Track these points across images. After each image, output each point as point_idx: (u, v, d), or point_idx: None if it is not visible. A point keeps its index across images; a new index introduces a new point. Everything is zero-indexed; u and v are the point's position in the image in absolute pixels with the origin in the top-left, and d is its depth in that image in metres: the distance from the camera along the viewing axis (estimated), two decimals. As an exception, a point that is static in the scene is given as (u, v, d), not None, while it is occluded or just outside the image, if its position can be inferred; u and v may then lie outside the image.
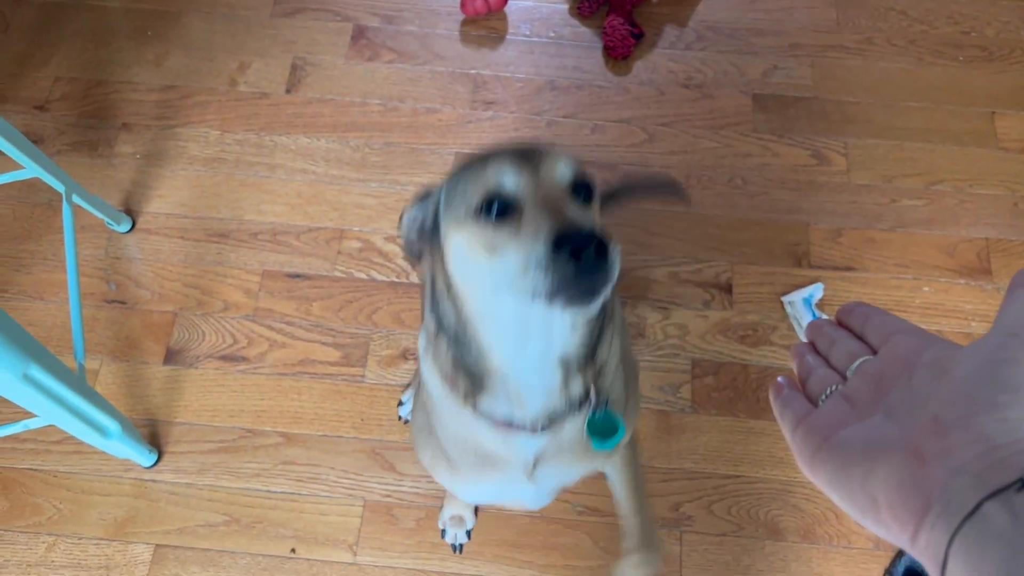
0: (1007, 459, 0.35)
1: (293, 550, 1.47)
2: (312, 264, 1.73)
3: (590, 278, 0.66)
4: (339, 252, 1.74)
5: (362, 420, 1.59)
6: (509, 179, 0.72)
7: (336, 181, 1.82)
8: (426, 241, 0.81)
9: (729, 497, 1.53)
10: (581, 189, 0.75)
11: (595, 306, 0.70)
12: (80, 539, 1.48)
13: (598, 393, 0.85)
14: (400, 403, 1.59)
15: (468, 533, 1.48)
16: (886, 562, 1.47)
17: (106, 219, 1.70)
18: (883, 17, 2.07)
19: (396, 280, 1.72)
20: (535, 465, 0.91)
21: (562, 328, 0.77)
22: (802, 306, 1.67)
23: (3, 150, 1.40)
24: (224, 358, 1.64)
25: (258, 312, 1.68)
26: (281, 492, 1.52)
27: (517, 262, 0.69)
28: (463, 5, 2.01)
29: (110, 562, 1.46)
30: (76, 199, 1.56)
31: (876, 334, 0.49)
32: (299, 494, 1.52)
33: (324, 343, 1.66)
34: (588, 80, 1.97)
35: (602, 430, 0.86)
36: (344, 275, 1.72)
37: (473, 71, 1.97)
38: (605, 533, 1.49)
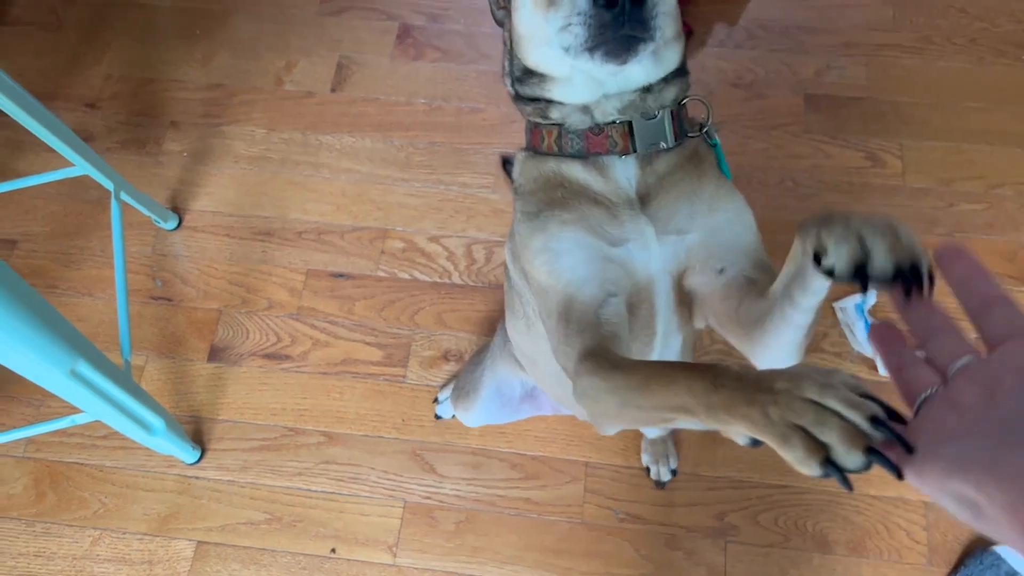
0: None
1: (333, 550, 1.47)
2: (355, 264, 1.73)
3: (626, 31, 0.70)
4: (382, 252, 1.74)
5: (403, 421, 1.58)
6: None
7: (380, 180, 1.81)
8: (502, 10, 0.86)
9: (776, 507, 1.49)
10: None
11: (634, 61, 0.74)
12: (124, 534, 1.49)
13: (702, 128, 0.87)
14: (436, 400, 1.58)
15: (674, 471, 1.51)
16: (940, 579, 1.43)
17: (153, 216, 1.71)
18: (942, 15, 2.01)
19: (439, 281, 1.70)
20: (642, 203, 0.83)
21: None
22: (854, 312, 1.62)
23: (55, 147, 1.42)
24: (268, 356, 1.64)
25: (302, 311, 1.68)
26: (322, 491, 1.52)
27: (564, 11, 0.73)
28: (509, 3, 1.99)
29: (153, 557, 1.47)
30: (124, 197, 1.57)
31: (994, 327, 0.44)
32: (340, 494, 1.52)
33: (367, 343, 1.65)
34: (635, 79, 1.93)
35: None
36: (387, 275, 1.72)
37: (519, 70, 1.95)
38: (647, 541, 1.46)
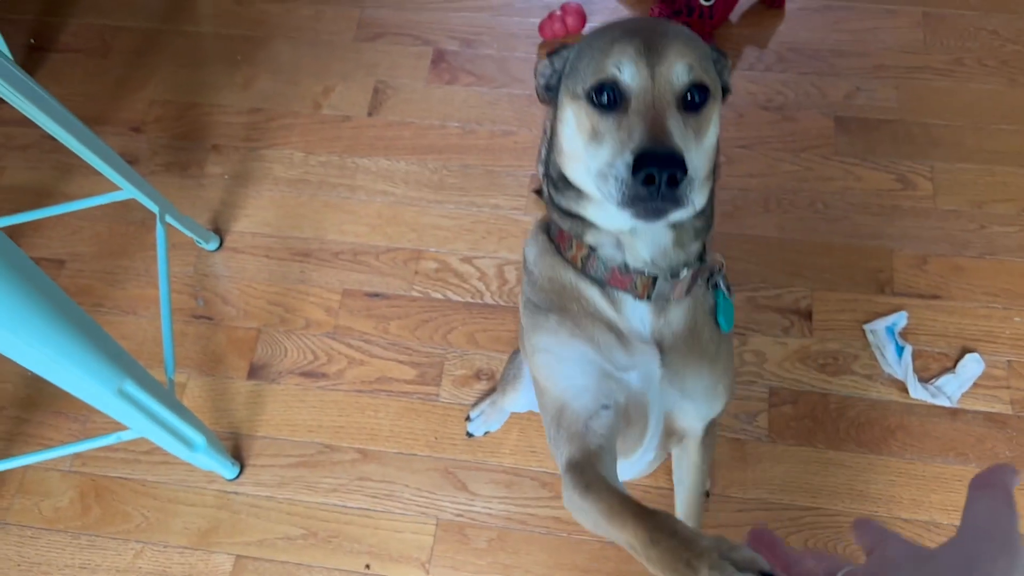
0: None
1: (368, 566, 1.50)
2: (390, 284, 1.77)
3: (658, 203, 0.73)
4: (416, 272, 1.78)
5: (436, 439, 1.61)
6: (626, 71, 0.77)
7: (414, 202, 1.85)
8: (552, 91, 0.88)
9: (806, 529, 1.50)
10: (696, 92, 0.78)
11: (663, 222, 0.80)
12: (166, 547, 1.53)
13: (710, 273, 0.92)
14: (468, 419, 1.61)
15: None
16: (972, 604, 1.42)
17: (195, 238, 1.77)
18: (973, 37, 2.01)
19: (471, 301, 1.74)
20: (660, 350, 0.89)
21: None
22: (885, 335, 1.62)
23: (103, 172, 1.47)
24: (305, 374, 1.68)
25: (338, 330, 1.72)
26: (357, 508, 1.55)
27: (605, 159, 0.77)
28: (541, 28, 2.03)
29: (193, 571, 1.51)
30: (169, 219, 1.63)
31: (866, 541, 0.53)
32: (374, 510, 1.55)
33: (400, 362, 1.68)
34: (665, 102, 1.96)
35: (726, 309, 0.94)
36: (421, 295, 1.75)
37: (550, 94, 1.98)
38: (678, 561, 1.48)
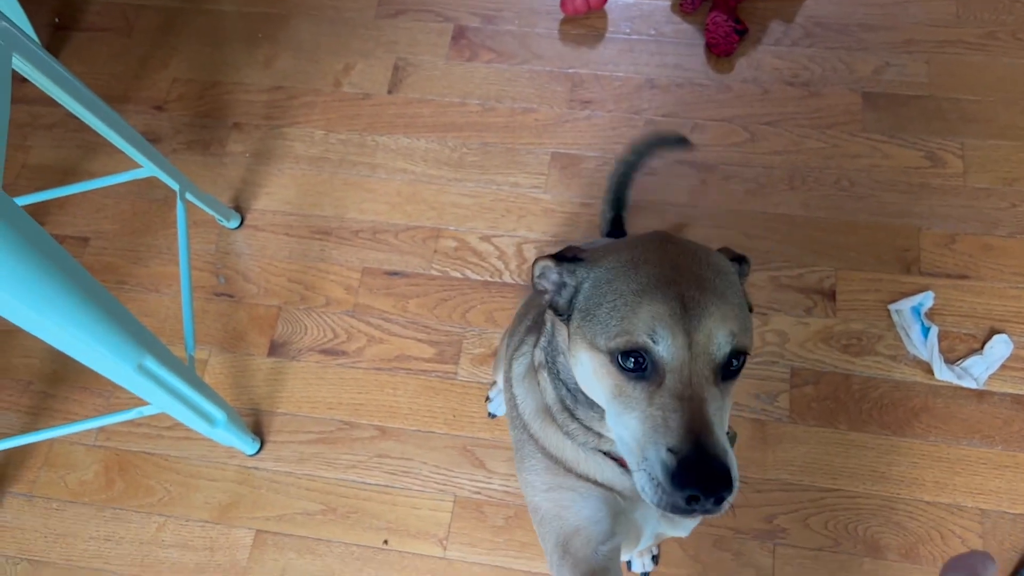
0: None
1: (386, 541, 1.51)
2: (409, 262, 1.76)
3: (696, 510, 0.65)
4: (435, 251, 1.77)
5: (454, 416, 1.61)
6: (661, 343, 0.68)
7: (434, 180, 1.85)
8: (562, 313, 0.78)
9: (827, 511, 1.48)
10: (736, 359, 0.70)
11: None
12: (187, 521, 1.55)
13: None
14: (487, 399, 1.60)
15: (655, 558, 1.45)
16: (996, 588, 1.40)
17: (217, 216, 1.78)
18: (1007, 10, 1.95)
19: (490, 279, 1.73)
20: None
21: None
22: (910, 315, 1.59)
23: (123, 150, 1.48)
24: (325, 352, 1.69)
25: (358, 308, 1.73)
26: (375, 484, 1.56)
27: (636, 431, 0.68)
28: (563, 4, 2.00)
29: (214, 544, 1.53)
30: (189, 197, 1.64)
31: None
32: (393, 487, 1.56)
33: (419, 340, 1.69)
34: (689, 78, 1.93)
35: None
36: (440, 273, 1.75)
37: (571, 70, 1.96)
38: (695, 541, 1.47)
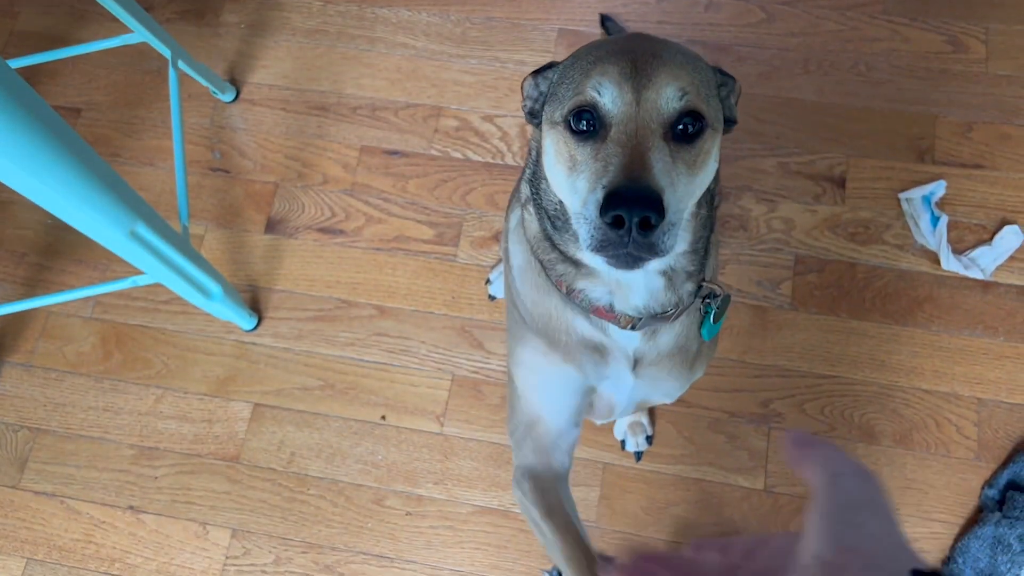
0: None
1: (383, 417, 1.52)
2: (409, 141, 1.72)
3: (631, 249, 0.64)
4: (436, 130, 1.72)
5: (453, 298, 1.60)
6: (607, 94, 0.68)
7: (435, 56, 1.78)
8: (538, 117, 0.79)
9: (823, 397, 1.48)
10: (689, 120, 0.69)
11: (640, 270, 0.71)
12: (185, 393, 1.56)
13: (711, 295, 0.84)
14: (488, 281, 1.59)
15: (649, 439, 1.47)
16: (986, 474, 1.41)
17: (211, 88, 1.72)
18: None
19: (491, 161, 1.69)
20: (635, 365, 0.88)
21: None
22: (921, 204, 1.56)
23: (114, 13, 1.42)
24: (322, 230, 1.66)
25: (356, 187, 1.69)
26: (373, 362, 1.56)
27: (583, 192, 0.67)
28: None
29: (212, 416, 1.54)
30: (182, 65, 1.58)
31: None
32: (391, 364, 1.56)
33: (419, 221, 1.66)
34: (705, -46, 1.84)
35: (714, 328, 0.87)
36: (440, 154, 1.70)
37: (582, -57, 1.87)
38: (689, 423, 1.48)
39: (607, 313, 0.82)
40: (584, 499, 1.44)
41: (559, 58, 1.71)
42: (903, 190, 1.59)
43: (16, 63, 1.54)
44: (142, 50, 1.74)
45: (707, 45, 1.74)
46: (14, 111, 0.95)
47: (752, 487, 1.44)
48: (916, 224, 1.56)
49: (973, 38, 1.71)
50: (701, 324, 0.88)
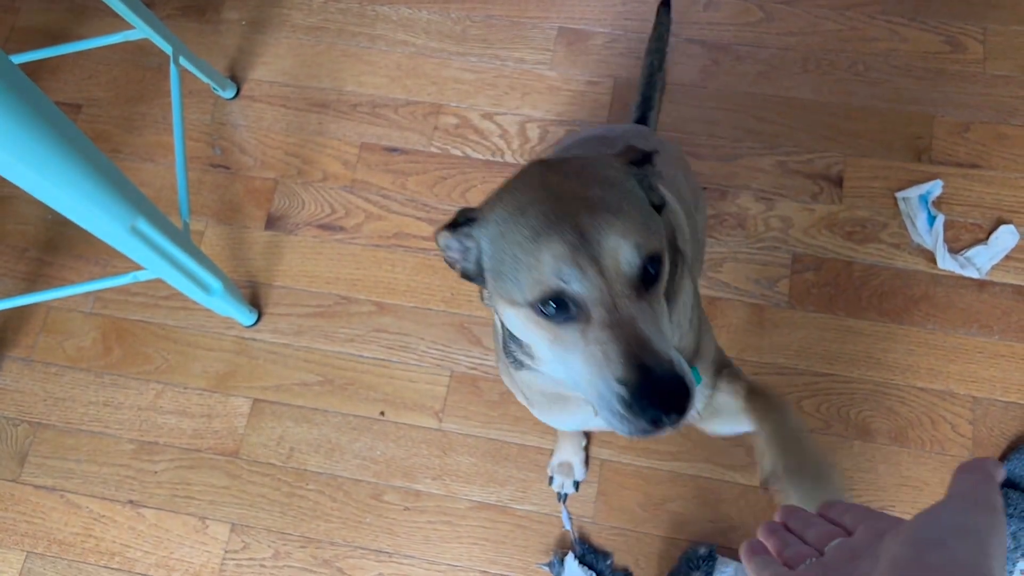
0: None
1: (382, 413, 1.53)
2: (409, 138, 1.73)
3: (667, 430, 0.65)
4: (436, 128, 1.73)
5: (452, 295, 1.60)
6: (572, 280, 0.66)
7: (435, 54, 1.79)
8: (477, 278, 0.76)
9: (820, 394, 1.49)
10: (650, 265, 0.69)
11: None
12: (185, 389, 1.57)
13: None
14: (485, 282, 1.60)
15: (576, 484, 1.45)
16: (981, 471, 1.42)
17: (212, 84, 1.73)
18: None
19: (491, 159, 1.70)
20: None
21: None
22: (917, 203, 1.57)
23: (115, 9, 1.43)
24: (322, 227, 1.67)
25: (356, 183, 1.70)
26: (373, 358, 1.57)
27: (583, 373, 0.67)
28: None
29: (212, 411, 1.55)
30: (183, 62, 1.58)
31: (853, 519, 0.54)
32: (390, 360, 1.56)
33: (418, 218, 1.66)
34: (704, -47, 1.84)
35: None
36: (440, 151, 1.71)
37: (582, -59, 1.87)
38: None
39: None
40: (581, 495, 1.45)
41: (558, 57, 1.71)
42: (900, 189, 1.60)
43: (17, 59, 1.55)
44: (143, 46, 1.75)
45: (706, 44, 1.75)
46: (16, 106, 0.96)
47: (749, 484, 1.44)
48: (913, 223, 1.57)
49: (971, 38, 1.72)
50: None
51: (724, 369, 1.00)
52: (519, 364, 0.83)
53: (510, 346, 0.81)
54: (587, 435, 1.46)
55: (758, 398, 0.96)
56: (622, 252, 0.66)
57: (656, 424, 0.64)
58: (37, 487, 1.51)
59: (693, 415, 0.73)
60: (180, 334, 1.61)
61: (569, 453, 1.43)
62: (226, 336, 1.60)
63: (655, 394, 0.63)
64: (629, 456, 1.47)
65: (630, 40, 1.76)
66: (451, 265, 0.78)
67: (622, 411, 0.64)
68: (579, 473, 1.44)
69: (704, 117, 1.69)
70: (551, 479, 1.46)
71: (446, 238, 0.75)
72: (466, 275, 0.77)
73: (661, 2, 1.53)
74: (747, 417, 0.96)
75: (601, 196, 0.69)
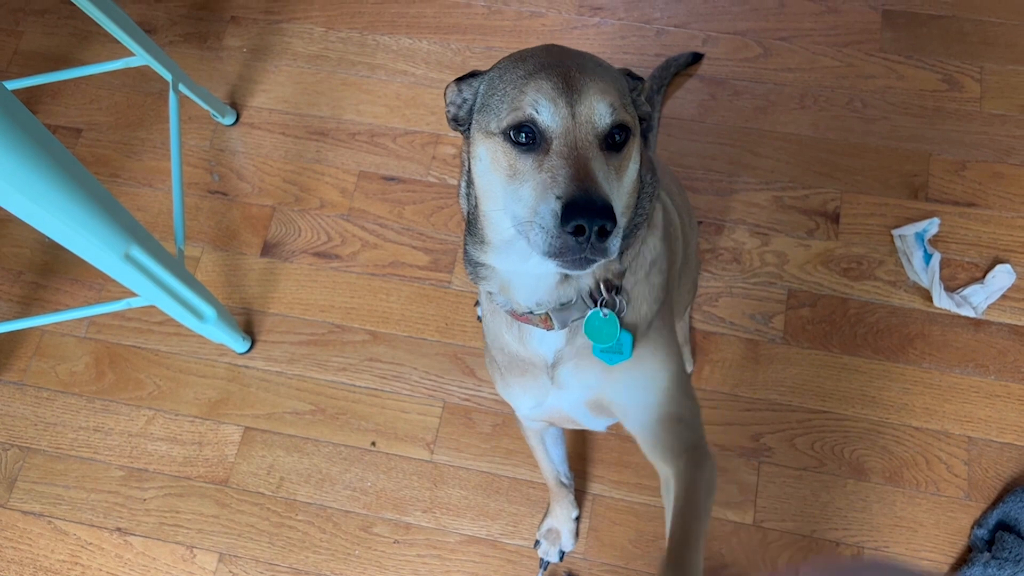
0: None
1: (374, 443, 1.52)
2: (407, 168, 1.73)
3: (586, 253, 0.69)
4: (433, 157, 1.73)
5: (446, 325, 1.60)
6: (545, 111, 0.72)
7: (435, 84, 1.80)
8: (464, 124, 0.82)
9: (814, 432, 1.48)
10: (617, 131, 0.75)
11: (588, 271, 0.76)
12: (177, 415, 1.56)
13: (614, 291, 0.85)
14: (477, 303, 1.60)
15: (561, 554, 1.41)
16: (976, 513, 1.41)
17: (212, 111, 1.73)
18: (1042, -72, 1.86)
19: (489, 188, 1.70)
20: (554, 367, 0.92)
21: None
22: (914, 241, 1.57)
23: (116, 36, 1.44)
24: (318, 254, 1.67)
25: (352, 212, 1.70)
26: (365, 387, 1.56)
27: (529, 200, 0.72)
28: (577, -96, 1.91)
29: (203, 439, 1.54)
30: (183, 88, 1.59)
31: None
32: (382, 390, 1.56)
33: (414, 247, 1.66)
34: (704, -11, 1.86)
35: (605, 335, 0.86)
36: (437, 180, 1.72)
37: (583, -25, 1.89)
38: (681, 456, 1.47)
39: (520, 315, 0.86)
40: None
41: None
42: (896, 226, 1.60)
43: (19, 83, 1.56)
44: (144, 72, 1.76)
45: (704, 79, 1.76)
46: (11, 133, 0.96)
47: (742, 521, 1.43)
48: (909, 261, 1.57)
49: (968, 77, 1.73)
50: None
51: (694, 450, 0.94)
52: (476, 273, 0.87)
53: (470, 251, 0.85)
54: (579, 507, 1.42)
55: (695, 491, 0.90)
56: (597, 106, 0.73)
57: (577, 235, 0.67)
58: (25, 513, 1.50)
59: (612, 249, 0.73)
60: (173, 360, 1.60)
61: (560, 520, 1.40)
62: (219, 363, 1.59)
63: (584, 207, 0.67)
64: (621, 492, 1.46)
65: (628, 73, 1.76)
66: (449, 116, 0.84)
67: (551, 224, 0.68)
68: (567, 543, 1.41)
69: (701, 151, 1.69)
70: (537, 543, 1.42)
71: (454, 91, 0.82)
72: (456, 120, 0.83)
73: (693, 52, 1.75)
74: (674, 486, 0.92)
75: (593, 66, 0.77)
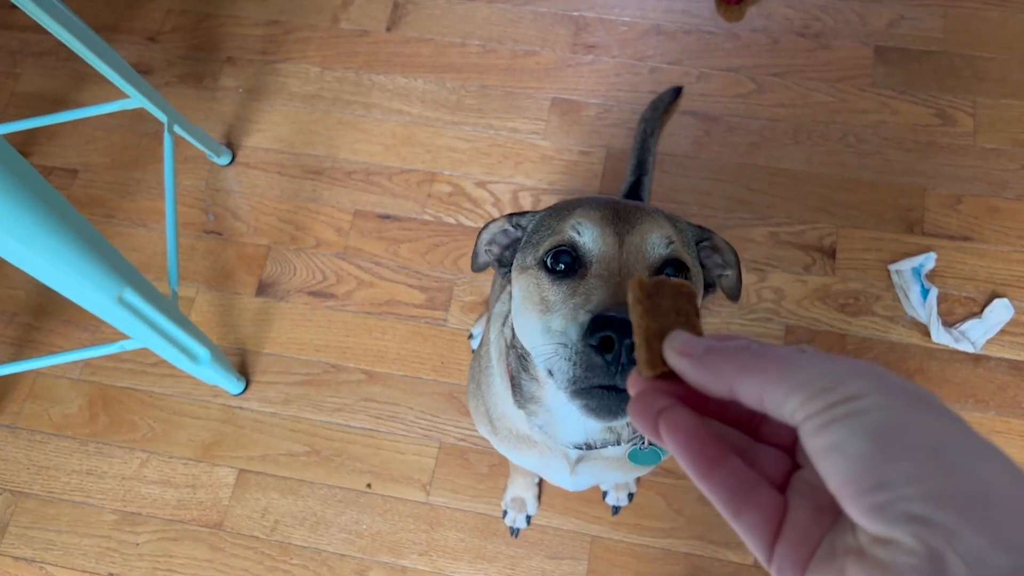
0: None
1: (369, 485, 1.50)
2: (402, 206, 1.73)
3: (617, 380, 0.55)
4: (429, 195, 1.74)
5: (442, 363, 1.59)
6: (587, 233, 0.64)
7: (430, 123, 1.80)
8: (507, 265, 0.77)
9: (814, 470, 1.47)
10: (671, 268, 0.65)
11: (621, 421, 0.63)
12: (170, 458, 1.55)
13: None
14: (470, 336, 1.59)
15: (528, 519, 1.44)
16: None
17: (207, 151, 1.74)
18: (1031, -36, 1.88)
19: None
20: (576, 462, 0.90)
21: None
22: (910, 276, 1.56)
23: (111, 79, 1.44)
24: (313, 294, 1.67)
25: (348, 250, 1.70)
26: (361, 428, 1.55)
27: (556, 330, 0.61)
28: (570, -57, 1.94)
29: (196, 482, 1.52)
30: (178, 129, 1.60)
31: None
32: (378, 431, 1.54)
33: (410, 285, 1.66)
34: (697, 25, 1.87)
35: (648, 457, 0.84)
36: (433, 218, 1.71)
37: (576, 12, 1.90)
38: (679, 495, 1.46)
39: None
40: (571, 573, 1.41)
41: (551, 127, 1.73)
42: (893, 261, 1.60)
43: (16, 126, 1.57)
44: (141, 113, 1.76)
45: (698, 115, 1.76)
46: (3, 178, 0.96)
47: (742, 562, 1.41)
48: (906, 296, 1.56)
49: (961, 111, 1.73)
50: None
51: None
52: (525, 407, 0.81)
53: (524, 386, 0.79)
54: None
55: None
56: (650, 236, 0.64)
57: (605, 348, 0.55)
58: (16, 558, 1.48)
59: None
60: (167, 402, 1.59)
61: (522, 488, 1.43)
62: (213, 404, 1.58)
63: (616, 322, 0.54)
64: (621, 533, 1.44)
65: (623, 111, 1.77)
66: (491, 257, 0.80)
67: (575, 339, 0.57)
68: (531, 507, 1.44)
69: (696, 187, 1.70)
70: (504, 513, 1.45)
71: (499, 226, 0.78)
72: (500, 261, 0.78)
73: (674, 88, 1.73)
74: None
75: (657, 210, 0.70)
